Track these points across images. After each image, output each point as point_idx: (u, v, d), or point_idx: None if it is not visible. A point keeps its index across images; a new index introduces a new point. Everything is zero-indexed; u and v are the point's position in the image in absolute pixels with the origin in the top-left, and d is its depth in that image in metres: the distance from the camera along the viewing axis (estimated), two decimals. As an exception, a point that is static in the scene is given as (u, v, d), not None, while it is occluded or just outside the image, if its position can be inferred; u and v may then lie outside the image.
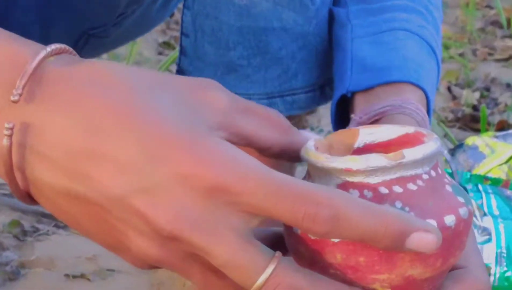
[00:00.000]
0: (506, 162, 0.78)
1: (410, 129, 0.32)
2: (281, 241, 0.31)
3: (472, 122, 1.04)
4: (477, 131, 0.98)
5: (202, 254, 0.27)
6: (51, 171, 0.28)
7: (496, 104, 1.20)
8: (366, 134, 0.33)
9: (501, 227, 0.65)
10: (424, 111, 0.46)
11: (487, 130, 1.00)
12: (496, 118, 1.12)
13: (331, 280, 0.27)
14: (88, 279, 0.71)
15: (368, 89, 0.50)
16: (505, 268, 0.64)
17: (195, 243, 0.26)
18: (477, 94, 1.25)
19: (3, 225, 0.79)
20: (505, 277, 0.66)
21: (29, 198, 0.30)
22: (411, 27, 0.56)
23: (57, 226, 0.79)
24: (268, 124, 0.31)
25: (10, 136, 0.28)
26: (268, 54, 0.59)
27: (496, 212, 0.67)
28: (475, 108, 1.15)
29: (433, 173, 0.30)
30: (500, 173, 0.77)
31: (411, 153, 0.28)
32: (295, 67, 0.61)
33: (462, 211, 0.29)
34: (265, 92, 0.61)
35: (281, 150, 0.31)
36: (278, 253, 0.27)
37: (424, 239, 0.26)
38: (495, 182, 0.72)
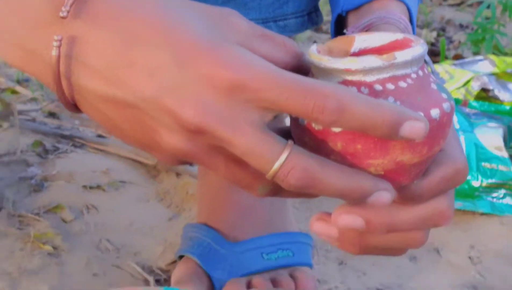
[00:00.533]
0: (463, 85, 0.88)
1: (399, 36, 0.33)
2: (288, 136, 0.31)
3: (432, 56, 1.15)
4: (436, 62, 1.09)
5: (225, 145, 0.28)
6: (93, 78, 0.29)
7: (451, 42, 1.32)
8: (361, 41, 0.34)
9: (462, 138, 0.74)
10: (407, 21, 0.48)
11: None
12: (452, 53, 1.23)
13: (337, 163, 0.29)
14: (103, 190, 0.77)
15: (358, 7, 0.52)
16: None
17: (219, 135, 0.28)
18: (434, 34, 1.36)
19: (27, 146, 0.82)
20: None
21: (74, 106, 0.32)
22: None
23: (74, 145, 0.83)
24: (281, 49, 0.32)
25: (59, 47, 0.29)
26: None
27: (457, 126, 0.76)
28: (433, 44, 1.26)
29: (420, 72, 0.31)
30: (458, 95, 0.88)
31: (401, 55, 0.29)
32: None
33: (446, 105, 0.30)
34: (260, 17, 0.64)
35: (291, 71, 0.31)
36: (290, 142, 0.28)
37: (415, 127, 0.28)
38: (455, 101, 0.84)
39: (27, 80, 1.06)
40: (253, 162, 0.28)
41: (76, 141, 0.85)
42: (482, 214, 0.72)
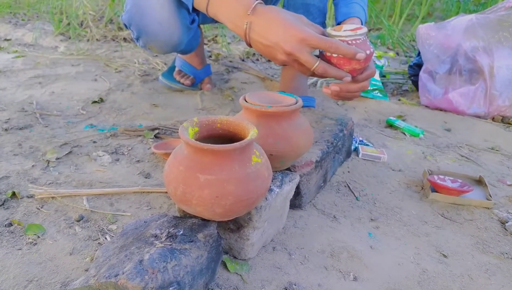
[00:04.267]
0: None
1: (358, 25, 0.94)
2: (317, 57, 0.88)
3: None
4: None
5: (299, 59, 0.89)
6: (257, 37, 0.91)
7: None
8: (345, 28, 0.91)
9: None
10: (360, 20, 1.19)
11: None
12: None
13: (334, 67, 0.91)
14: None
15: (344, 20, 1.21)
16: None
17: (297, 56, 0.89)
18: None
19: (222, 70, 2.24)
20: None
21: (249, 44, 0.93)
22: (361, 3, 1.27)
23: (239, 70, 2.25)
24: (318, 29, 0.92)
25: (246, 25, 0.89)
26: None
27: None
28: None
29: (364, 38, 0.91)
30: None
31: (361, 31, 0.90)
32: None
33: (372, 50, 0.92)
34: (311, 19, 1.36)
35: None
36: (319, 59, 0.90)
37: (361, 55, 0.89)
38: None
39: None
40: (307, 65, 0.88)
41: (239, 68, 2.24)
42: (370, 98, 2.00)
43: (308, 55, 0.89)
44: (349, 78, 0.94)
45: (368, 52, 0.92)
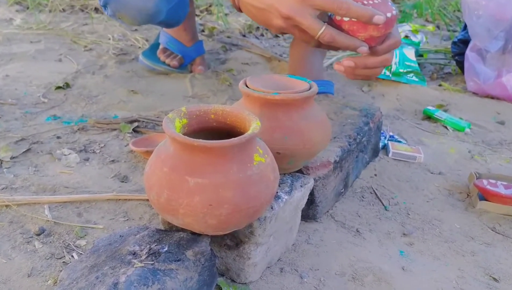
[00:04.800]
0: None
1: None
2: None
3: None
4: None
5: (299, 24, 0.92)
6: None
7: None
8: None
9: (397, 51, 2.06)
10: None
11: None
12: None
13: (344, 33, 0.94)
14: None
15: None
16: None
17: (297, 20, 0.92)
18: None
19: (220, 47, 2.28)
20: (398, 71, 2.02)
21: (239, 9, 1.03)
22: None
23: (238, 47, 2.27)
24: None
25: None
26: None
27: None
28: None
29: None
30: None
31: None
32: None
33: (394, 12, 0.93)
34: None
35: None
36: (325, 24, 0.92)
37: (379, 18, 0.91)
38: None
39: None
40: (310, 31, 0.91)
41: (239, 46, 2.27)
42: (403, 83, 2.01)
43: (311, 19, 0.91)
44: (365, 48, 0.95)
45: (389, 14, 0.93)
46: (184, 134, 0.77)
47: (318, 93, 1.46)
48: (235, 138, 0.71)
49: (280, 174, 0.93)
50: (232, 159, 0.71)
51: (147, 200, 1.08)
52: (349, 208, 1.16)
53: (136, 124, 1.45)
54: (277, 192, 0.88)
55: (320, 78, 1.60)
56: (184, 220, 0.73)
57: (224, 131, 0.81)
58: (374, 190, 1.23)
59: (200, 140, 0.70)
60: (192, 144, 0.69)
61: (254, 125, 0.75)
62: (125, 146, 1.34)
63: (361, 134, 1.22)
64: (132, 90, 1.73)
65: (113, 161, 1.27)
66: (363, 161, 1.28)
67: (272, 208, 0.85)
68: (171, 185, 0.71)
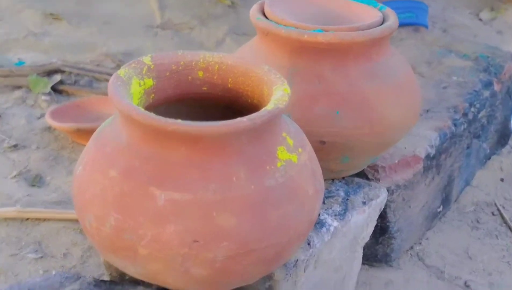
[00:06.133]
0: None
1: None
2: None
3: None
4: None
5: None
6: None
7: None
8: None
9: None
10: None
11: None
12: None
13: None
14: None
15: None
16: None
17: None
18: None
19: None
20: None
21: None
22: None
23: None
24: None
25: None
26: None
27: None
28: None
29: None
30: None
31: None
32: None
33: None
34: None
35: None
36: None
37: None
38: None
39: None
40: None
41: None
42: None
43: None
44: None
45: None
46: (148, 107, 0.58)
47: (400, 26, 1.17)
48: (243, 118, 0.52)
49: (325, 180, 0.71)
50: (238, 157, 0.52)
51: (77, 220, 0.81)
52: (451, 243, 0.95)
53: (58, 77, 1.18)
54: (319, 215, 0.73)
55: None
56: (148, 267, 0.55)
57: (222, 102, 0.63)
58: (499, 208, 1.00)
59: (179, 120, 0.50)
60: (164, 128, 0.50)
61: (279, 93, 0.56)
62: (38, 118, 1.09)
63: (477, 105, 1.01)
64: (51, 14, 1.40)
65: (16, 146, 1.02)
66: (479, 154, 1.07)
67: (309, 244, 0.69)
68: (125, 203, 0.53)
